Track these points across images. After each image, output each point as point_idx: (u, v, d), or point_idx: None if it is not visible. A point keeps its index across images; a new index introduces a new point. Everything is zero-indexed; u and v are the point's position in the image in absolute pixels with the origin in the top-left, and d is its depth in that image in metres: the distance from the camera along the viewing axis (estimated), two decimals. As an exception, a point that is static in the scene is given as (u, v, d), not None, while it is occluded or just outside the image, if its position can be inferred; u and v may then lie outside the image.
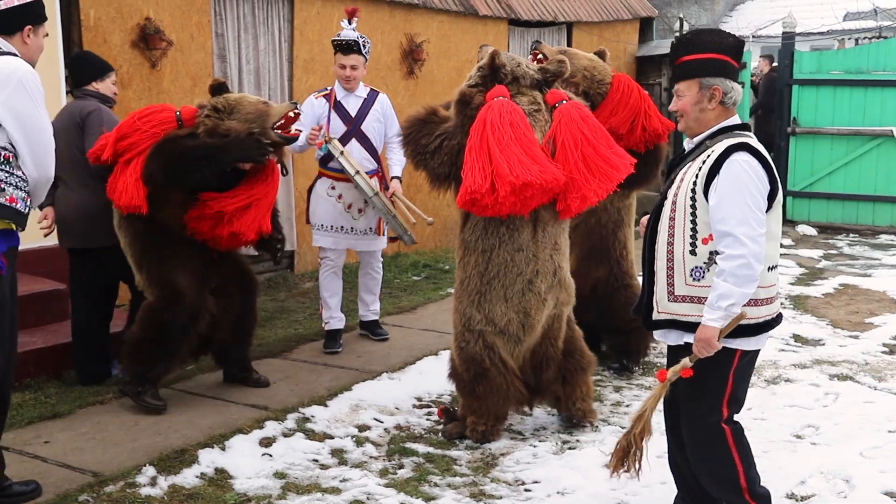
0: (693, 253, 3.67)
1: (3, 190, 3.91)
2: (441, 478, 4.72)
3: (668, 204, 3.77)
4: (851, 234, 12.44)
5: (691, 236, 3.67)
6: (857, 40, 22.72)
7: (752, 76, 15.26)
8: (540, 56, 5.81)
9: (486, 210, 4.83)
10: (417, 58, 10.11)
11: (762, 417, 5.54)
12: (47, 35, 4.23)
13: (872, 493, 4.46)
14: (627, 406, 5.73)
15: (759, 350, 3.83)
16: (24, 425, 5.17)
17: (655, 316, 3.82)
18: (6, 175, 3.93)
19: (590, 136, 4.93)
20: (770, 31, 26.66)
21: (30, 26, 4.05)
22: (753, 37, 32.20)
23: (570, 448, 5.08)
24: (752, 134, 3.76)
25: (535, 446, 5.13)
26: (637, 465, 3.90)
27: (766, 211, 3.61)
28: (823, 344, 7.14)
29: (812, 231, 12.47)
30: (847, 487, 4.55)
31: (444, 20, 10.51)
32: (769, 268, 3.67)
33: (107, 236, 5.56)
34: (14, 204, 3.95)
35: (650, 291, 3.84)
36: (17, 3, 3.99)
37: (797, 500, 4.47)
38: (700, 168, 3.67)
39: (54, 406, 5.47)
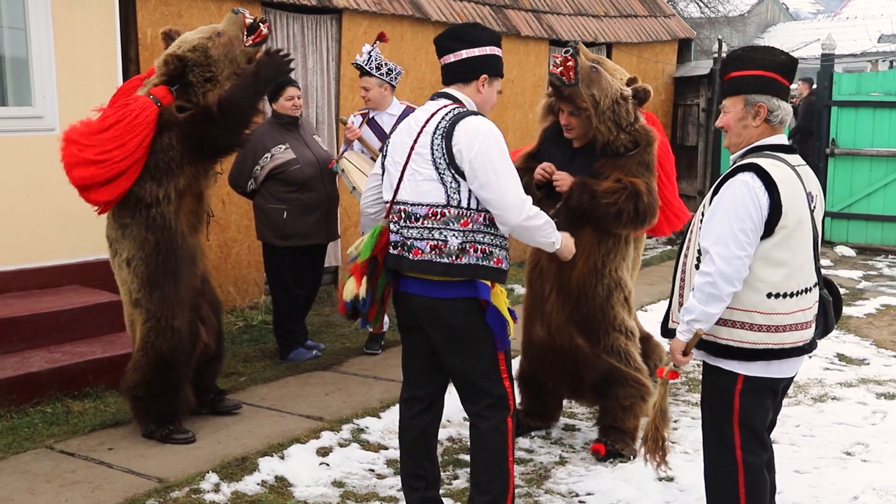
0: (698, 268, 3.66)
1: (491, 253, 3.85)
2: (496, 489, 4.79)
3: (694, 219, 3.84)
4: (891, 256, 12.37)
5: (698, 251, 3.69)
6: (891, 63, 22.67)
7: (791, 98, 15.27)
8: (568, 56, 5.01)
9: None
10: (460, 77, 10.22)
11: (811, 434, 5.59)
12: (500, 92, 4.16)
13: (926, 510, 4.50)
14: (676, 421, 5.78)
15: (775, 378, 3.68)
16: (87, 432, 5.32)
17: (670, 325, 3.87)
18: (491, 238, 3.86)
19: None
20: (803, 52, 26.59)
21: (486, 76, 3.96)
22: (786, 58, 31.84)
23: (621, 461, 5.14)
24: (784, 156, 3.65)
25: (585, 459, 5.21)
26: (662, 452, 3.95)
27: (768, 236, 3.54)
28: (868, 363, 7.16)
29: (851, 252, 12.44)
30: (900, 504, 4.60)
31: (486, 40, 10.61)
32: (773, 294, 3.59)
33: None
34: (500, 265, 3.88)
35: (670, 301, 3.91)
36: (478, 53, 3.93)
37: (850, 516, 4.52)
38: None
39: (114, 414, 5.61)
